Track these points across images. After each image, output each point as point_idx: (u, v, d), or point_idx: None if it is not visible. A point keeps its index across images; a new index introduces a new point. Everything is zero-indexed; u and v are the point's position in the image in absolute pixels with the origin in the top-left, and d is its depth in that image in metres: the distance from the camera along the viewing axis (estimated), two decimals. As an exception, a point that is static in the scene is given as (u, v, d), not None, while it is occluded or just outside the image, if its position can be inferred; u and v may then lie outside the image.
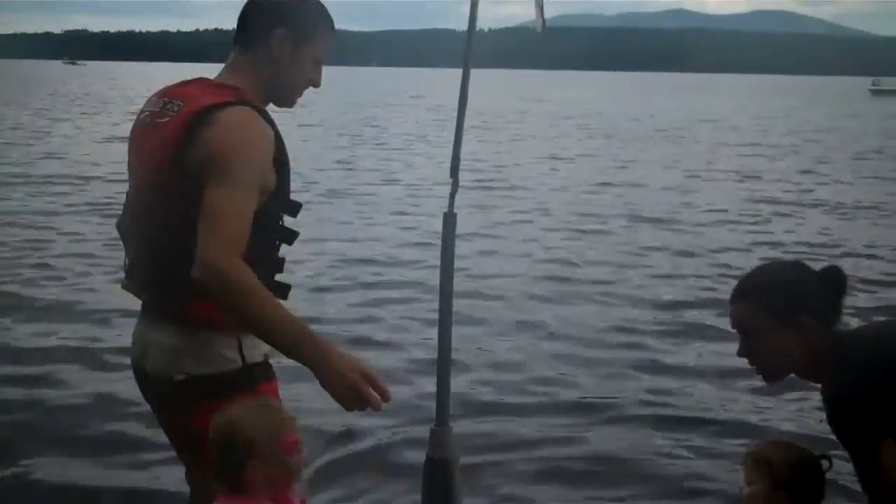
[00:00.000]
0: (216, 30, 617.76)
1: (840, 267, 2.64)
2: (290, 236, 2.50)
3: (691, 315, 7.34)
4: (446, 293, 3.28)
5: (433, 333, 3.54)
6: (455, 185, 3.31)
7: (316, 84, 2.59)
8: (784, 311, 2.56)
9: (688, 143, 25.64)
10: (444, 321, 3.29)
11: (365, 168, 17.81)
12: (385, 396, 2.30)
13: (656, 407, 5.36)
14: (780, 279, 2.64)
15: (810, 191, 15.68)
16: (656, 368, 6.10)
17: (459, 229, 3.32)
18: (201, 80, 2.50)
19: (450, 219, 3.29)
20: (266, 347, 2.42)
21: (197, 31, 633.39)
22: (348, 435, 4.89)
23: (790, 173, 18.26)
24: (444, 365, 3.31)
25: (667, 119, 36.69)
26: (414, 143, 24.14)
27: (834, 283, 2.59)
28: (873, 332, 2.68)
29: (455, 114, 3.28)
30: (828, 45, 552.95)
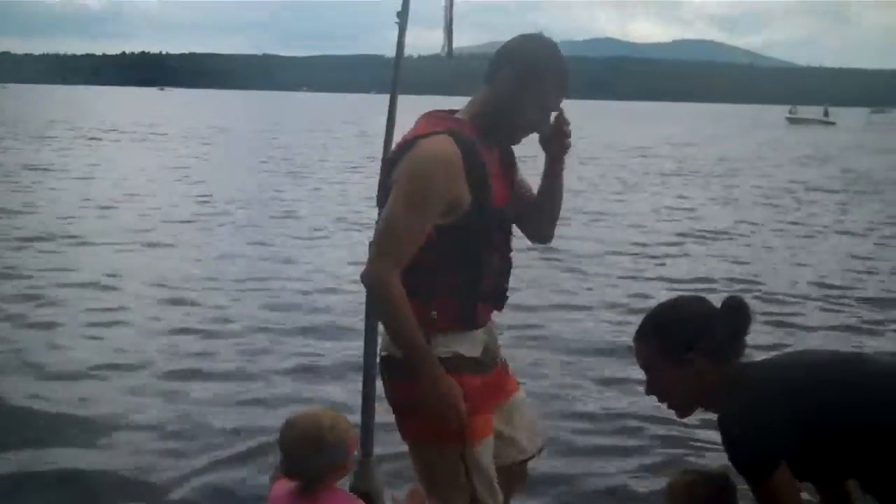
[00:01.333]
0: (143, 53, 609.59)
1: (741, 298, 2.67)
2: (489, 243, 2.71)
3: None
4: (372, 322, 3.26)
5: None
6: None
7: (539, 130, 2.75)
8: (677, 350, 2.63)
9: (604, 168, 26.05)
10: (369, 350, 3.26)
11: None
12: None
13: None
14: (674, 318, 2.69)
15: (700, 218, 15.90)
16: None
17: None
18: (431, 113, 2.75)
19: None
20: (463, 347, 2.72)
21: (123, 53, 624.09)
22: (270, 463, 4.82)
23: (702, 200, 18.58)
24: (368, 394, 3.28)
25: (586, 146, 37.07)
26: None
27: (735, 315, 2.63)
28: (771, 364, 2.72)
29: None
30: (749, 75, 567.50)
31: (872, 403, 2.46)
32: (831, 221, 15.60)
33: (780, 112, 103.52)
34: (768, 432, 2.45)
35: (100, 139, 33.26)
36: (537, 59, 2.66)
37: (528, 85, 2.64)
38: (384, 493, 3.24)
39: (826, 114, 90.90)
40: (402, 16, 3.20)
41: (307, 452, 2.35)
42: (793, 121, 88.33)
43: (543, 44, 2.70)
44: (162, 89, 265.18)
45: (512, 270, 2.87)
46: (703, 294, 2.95)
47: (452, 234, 2.61)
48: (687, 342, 2.62)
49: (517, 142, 2.80)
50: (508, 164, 2.86)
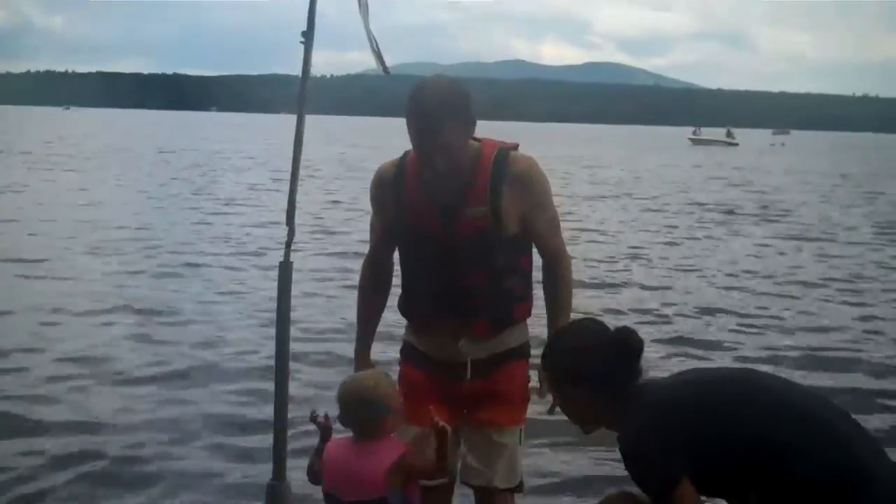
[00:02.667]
0: (48, 72, 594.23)
1: (631, 328, 2.75)
2: (413, 256, 3.20)
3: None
4: (283, 342, 3.23)
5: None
6: (291, 234, 3.28)
7: (429, 166, 2.95)
8: (566, 379, 2.71)
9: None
10: (281, 370, 3.23)
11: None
12: None
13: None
14: (563, 350, 2.79)
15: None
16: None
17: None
18: None
19: (286, 267, 3.25)
20: (415, 339, 3.27)
21: (28, 72, 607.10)
22: (187, 486, 4.73)
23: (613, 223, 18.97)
24: (280, 416, 3.24)
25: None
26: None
27: (625, 345, 2.70)
28: (664, 384, 2.78)
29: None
30: (655, 97, 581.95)
31: (760, 419, 2.54)
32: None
33: (684, 133, 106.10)
34: (664, 452, 2.52)
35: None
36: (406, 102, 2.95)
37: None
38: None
39: (729, 135, 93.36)
40: (308, 35, 3.19)
41: (355, 405, 2.81)
42: (696, 142, 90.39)
43: (413, 87, 2.96)
44: (67, 108, 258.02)
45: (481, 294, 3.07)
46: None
47: (392, 239, 3.22)
48: (575, 374, 2.71)
49: (431, 174, 2.96)
50: (444, 196, 3.01)
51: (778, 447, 2.48)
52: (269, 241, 13.41)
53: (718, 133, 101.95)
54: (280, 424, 3.23)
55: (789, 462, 2.47)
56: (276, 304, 3.23)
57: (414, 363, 3.25)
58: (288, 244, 3.25)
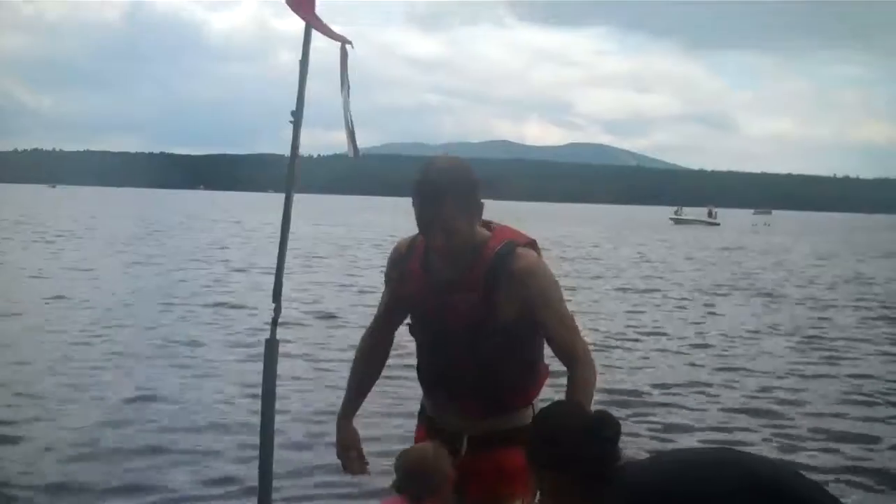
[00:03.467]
0: (35, 150, 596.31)
1: (606, 412, 2.73)
2: (416, 331, 3.25)
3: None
4: (268, 419, 3.21)
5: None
6: (277, 311, 3.29)
7: (428, 241, 3.02)
8: (549, 461, 2.70)
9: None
10: (266, 447, 3.21)
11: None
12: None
13: None
14: (545, 432, 2.72)
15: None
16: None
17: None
18: None
19: (272, 345, 3.26)
20: (428, 403, 3.35)
21: (15, 150, 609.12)
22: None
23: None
24: (265, 493, 3.21)
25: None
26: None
27: (600, 429, 2.66)
28: (643, 467, 2.75)
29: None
30: (638, 177, 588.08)
31: (735, 498, 2.53)
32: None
33: (665, 212, 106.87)
34: None
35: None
36: None
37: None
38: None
39: (711, 214, 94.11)
40: (297, 115, 3.24)
41: (415, 474, 2.96)
42: (678, 221, 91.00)
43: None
44: (53, 187, 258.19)
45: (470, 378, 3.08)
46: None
47: (397, 314, 3.31)
48: (552, 459, 2.69)
49: (435, 250, 3.00)
50: (441, 278, 3.04)
51: None
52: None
53: (700, 213, 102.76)
54: (265, 478, 3.20)
55: None
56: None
57: (424, 426, 3.33)
58: (274, 321, 3.26)
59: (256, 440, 3.31)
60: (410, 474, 2.97)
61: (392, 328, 3.33)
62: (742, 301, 19.40)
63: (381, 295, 3.36)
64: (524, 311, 2.98)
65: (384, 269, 3.30)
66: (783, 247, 47.46)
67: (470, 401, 3.10)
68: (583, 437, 2.68)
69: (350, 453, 3.26)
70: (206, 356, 10.74)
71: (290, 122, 3.24)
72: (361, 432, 3.25)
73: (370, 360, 3.35)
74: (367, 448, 3.26)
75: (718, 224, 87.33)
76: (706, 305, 18.36)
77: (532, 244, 3.09)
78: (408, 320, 3.26)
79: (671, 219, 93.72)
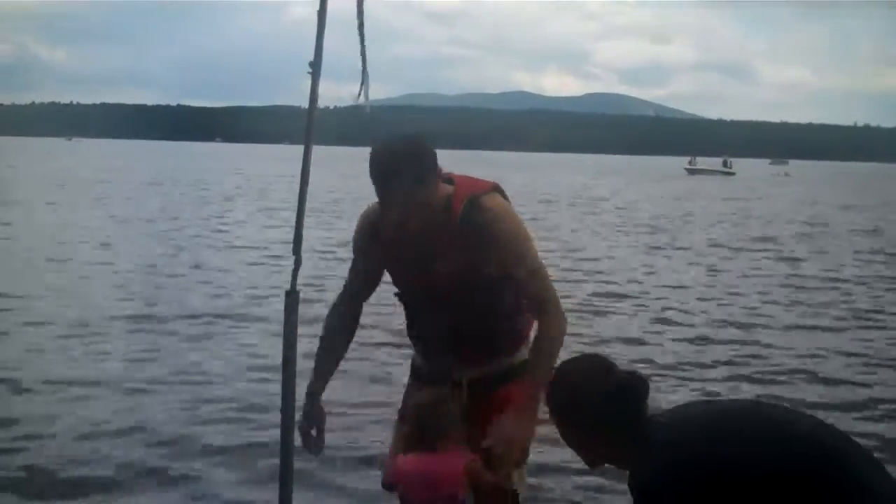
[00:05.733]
0: (52, 103, 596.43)
1: (635, 373, 2.70)
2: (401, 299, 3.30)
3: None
4: (289, 373, 3.21)
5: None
6: (298, 263, 3.28)
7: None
8: (573, 418, 2.68)
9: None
10: (287, 399, 3.22)
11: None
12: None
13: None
14: (569, 388, 2.71)
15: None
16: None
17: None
18: None
19: (292, 296, 3.25)
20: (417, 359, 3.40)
21: (33, 103, 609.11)
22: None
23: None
24: (286, 454, 3.22)
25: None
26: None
27: (628, 391, 2.65)
28: (674, 422, 2.72)
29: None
30: (656, 127, 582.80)
31: (771, 452, 2.52)
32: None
33: (682, 163, 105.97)
34: (678, 494, 2.49)
35: None
36: None
37: None
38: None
39: (726, 164, 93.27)
40: (315, 65, 3.19)
41: (428, 417, 2.99)
42: (692, 171, 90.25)
43: None
44: (70, 139, 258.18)
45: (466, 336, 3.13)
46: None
47: (369, 283, 3.33)
48: (576, 415, 2.68)
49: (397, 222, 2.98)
50: (415, 248, 3.05)
51: (791, 478, 2.47)
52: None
53: (716, 163, 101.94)
54: (286, 457, 3.21)
55: (803, 492, 2.45)
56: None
57: (419, 383, 3.33)
58: (295, 274, 3.26)
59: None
60: (423, 419, 3.01)
61: (362, 299, 3.33)
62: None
63: (350, 266, 3.33)
64: (500, 262, 3.01)
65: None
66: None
67: (468, 352, 3.16)
68: (607, 398, 2.65)
69: (313, 431, 3.21)
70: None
71: (309, 72, 3.20)
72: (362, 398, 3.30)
73: (339, 329, 3.31)
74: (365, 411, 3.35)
75: (734, 174, 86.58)
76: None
77: (495, 188, 3.11)
78: (394, 288, 3.28)
79: (685, 169, 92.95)
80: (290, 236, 3.26)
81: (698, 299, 12.66)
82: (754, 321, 10.87)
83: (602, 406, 2.64)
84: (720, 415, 2.72)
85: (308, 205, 3.25)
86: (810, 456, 2.51)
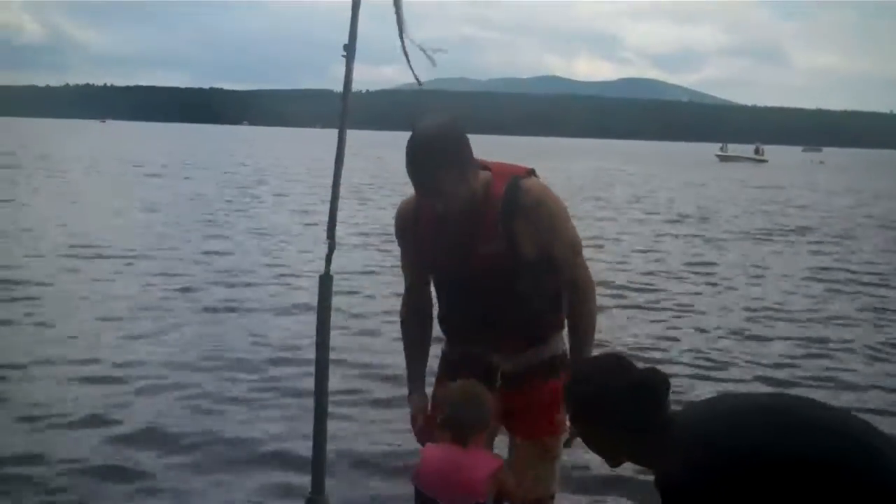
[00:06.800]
0: (87, 85, 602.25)
1: (656, 370, 2.68)
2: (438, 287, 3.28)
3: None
4: (322, 356, 3.23)
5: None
6: (331, 247, 3.29)
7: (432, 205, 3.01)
8: (592, 417, 2.66)
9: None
10: (321, 384, 3.24)
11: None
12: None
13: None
14: (588, 387, 2.68)
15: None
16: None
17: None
18: None
19: (326, 280, 3.26)
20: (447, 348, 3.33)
21: (67, 85, 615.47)
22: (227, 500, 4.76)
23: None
24: (319, 429, 3.24)
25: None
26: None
27: (649, 389, 2.63)
28: (696, 417, 2.71)
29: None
30: (688, 113, 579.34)
31: (799, 445, 2.50)
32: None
33: (714, 149, 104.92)
34: (708, 490, 2.47)
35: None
36: None
37: None
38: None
39: (758, 151, 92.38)
40: (350, 49, 3.18)
41: (466, 405, 2.92)
42: (723, 158, 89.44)
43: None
44: (103, 121, 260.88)
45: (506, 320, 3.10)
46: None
47: (422, 272, 3.28)
48: (596, 415, 2.66)
49: (441, 212, 2.96)
50: (456, 234, 3.02)
51: (821, 470, 2.45)
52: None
53: (747, 150, 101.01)
54: (319, 438, 3.23)
55: (834, 484, 2.44)
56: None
57: (451, 374, 3.21)
58: (328, 258, 3.26)
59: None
60: (458, 408, 2.93)
61: (425, 287, 3.31)
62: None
63: (401, 263, 3.32)
64: (540, 242, 3.00)
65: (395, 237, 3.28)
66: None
67: (506, 338, 3.13)
68: (628, 399, 2.63)
69: (418, 423, 3.23)
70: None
71: (343, 55, 3.19)
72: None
73: (416, 324, 3.33)
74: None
75: (766, 161, 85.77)
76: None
77: (532, 173, 3.10)
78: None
79: (717, 156, 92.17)
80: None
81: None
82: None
83: (625, 405, 2.62)
84: (748, 410, 2.70)
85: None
86: (842, 449, 2.49)
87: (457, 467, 2.90)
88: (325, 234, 3.30)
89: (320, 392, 3.22)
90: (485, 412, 2.94)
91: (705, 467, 2.50)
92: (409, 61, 3.28)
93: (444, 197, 2.91)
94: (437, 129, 2.93)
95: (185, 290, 10.64)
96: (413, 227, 3.16)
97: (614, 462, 2.80)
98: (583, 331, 3.09)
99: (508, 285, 3.04)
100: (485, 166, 3.05)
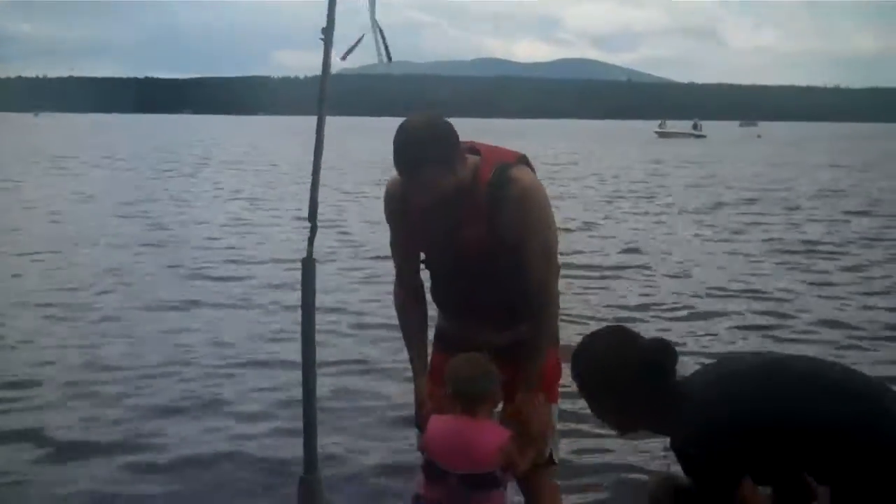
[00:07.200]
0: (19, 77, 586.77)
1: (664, 341, 2.74)
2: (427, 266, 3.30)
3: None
4: (308, 338, 3.26)
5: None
6: (313, 230, 3.31)
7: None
8: (602, 389, 2.73)
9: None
10: (308, 365, 3.27)
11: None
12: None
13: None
14: (596, 360, 2.75)
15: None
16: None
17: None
18: None
19: (308, 263, 3.28)
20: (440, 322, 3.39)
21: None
22: (218, 487, 4.75)
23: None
24: (309, 409, 3.27)
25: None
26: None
27: (657, 361, 2.70)
28: (706, 380, 2.77)
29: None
30: (628, 92, 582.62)
31: (809, 405, 2.57)
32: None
33: (653, 127, 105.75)
34: (723, 454, 2.53)
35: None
36: None
37: None
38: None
39: (696, 127, 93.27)
40: (327, 33, 3.20)
41: (476, 377, 2.96)
42: (662, 135, 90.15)
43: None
44: (36, 115, 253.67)
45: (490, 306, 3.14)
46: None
47: (413, 252, 3.30)
48: (605, 387, 2.71)
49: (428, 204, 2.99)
50: (443, 218, 3.04)
51: (837, 431, 2.50)
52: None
53: (685, 125, 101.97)
54: (309, 418, 3.26)
55: (844, 441, 2.50)
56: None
57: (444, 346, 3.31)
58: (311, 240, 3.28)
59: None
60: (469, 381, 2.96)
61: (415, 267, 3.33)
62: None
63: (390, 243, 3.34)
64: (517, 235, 3.02)
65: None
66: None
67: (493, 317, 3.18)
68: (639, 366, 2.67)
69: (422, 410, 3.25)
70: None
71: (321, 38, 3.20)
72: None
73: (411, 305, 3.36)
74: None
75: (705, 136, 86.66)
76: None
77: (523, 160, 3.10)
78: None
79: (656, 132, 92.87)
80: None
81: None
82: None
83: (636, 374, 2.66)
84: (754, 373, 2.73)
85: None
86: (858, 409, 2.54)
87: (467, 437, 2.94)
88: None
89: (308, 374, 3.25)
90: (495, 384, 2.98)
91: (720, 429, 2.54)
92: (384, 38, 3.30)
93: (431, 191, 2.94)
94: (425, 125, 2.94)
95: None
96: (402, 207, 3.17)
97: (623, 431, 2.84)
98: (535, 343, 3.10)
99: (492, 267, 3.08)
100: (475, 149, 3.08)
